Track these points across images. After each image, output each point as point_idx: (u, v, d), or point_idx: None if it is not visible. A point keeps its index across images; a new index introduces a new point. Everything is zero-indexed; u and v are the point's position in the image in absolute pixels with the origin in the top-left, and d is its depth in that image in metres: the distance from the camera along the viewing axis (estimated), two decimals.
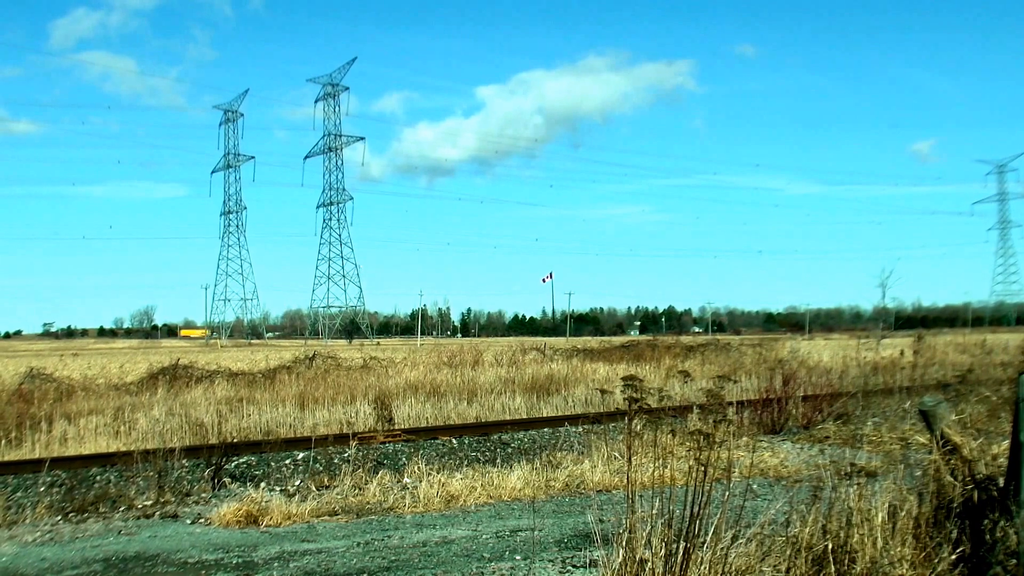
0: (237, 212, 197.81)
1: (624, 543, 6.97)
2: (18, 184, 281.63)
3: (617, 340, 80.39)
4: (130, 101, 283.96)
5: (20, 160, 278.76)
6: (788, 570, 7.15)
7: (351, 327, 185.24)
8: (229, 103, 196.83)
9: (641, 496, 7.23)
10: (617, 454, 15.50)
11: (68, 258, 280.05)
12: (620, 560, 6.96)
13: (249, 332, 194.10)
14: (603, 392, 24.76)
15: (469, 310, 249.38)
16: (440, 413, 28.38)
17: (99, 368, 45.75)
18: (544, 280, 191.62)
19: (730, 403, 21.25)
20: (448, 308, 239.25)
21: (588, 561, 8.96)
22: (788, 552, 7.25)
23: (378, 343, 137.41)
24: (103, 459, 18.83)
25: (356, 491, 14.05)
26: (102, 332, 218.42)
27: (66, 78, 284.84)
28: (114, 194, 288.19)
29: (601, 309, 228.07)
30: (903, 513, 7.54)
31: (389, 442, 19.97)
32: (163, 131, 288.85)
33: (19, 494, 15.78)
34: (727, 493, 7.07)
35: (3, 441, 23.66)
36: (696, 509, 6.84)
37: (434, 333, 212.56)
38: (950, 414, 8.01)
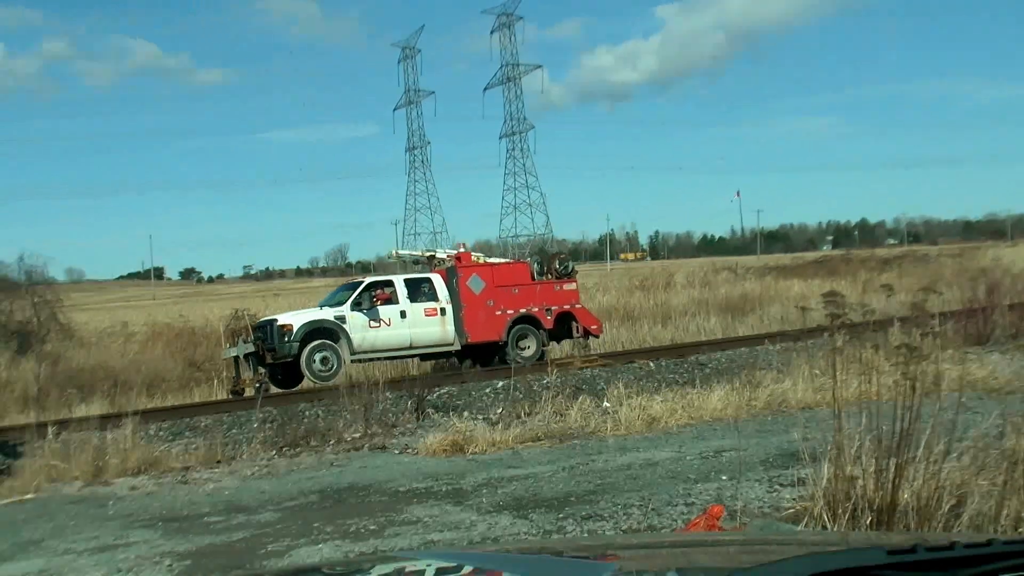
0: (421, 147, 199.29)
1: (832, 460, 6.89)
2: (206, 134, 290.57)
3: (809, 256, 78.86)
4: (312, 44, 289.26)
5: (208, 110, 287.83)
6: (1005, 483, 6.95)
7: (541, 255, 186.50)
8: (406, 40, 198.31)
9: (846, 413, 7.12)
10: (818, 371, 15.26)
11: (262, 203, 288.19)
12: (829, 477, 6.89)
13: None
14: (803, 309, 24.02)
15: (657, 232, 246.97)
16: (635, 336, 28.46)
17: (300, 306, 47.12)
18: (733, 199, 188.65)
19: (932, 315, 20.57)
20: (635, 231, 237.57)
21: (795, 479, 8.87)
22: (1004, 465, 7.04)
23: None
24: (310, 395, 19.51)
25: (557, 417, 14.20)
26: (299, 272, 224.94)
27: (249, 25, 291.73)
28: (302, 137, 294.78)
29: (791, 225, 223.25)
30: None
31: (587, 367, 20.12)
32: (346, 71, 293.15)
33: (235, 431, 16.49)
34: (937, 407, 6.91)
35: (216, 381, 24.76)
36: (906, 424, 6.70)
37: (622, 257, 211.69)
38: None
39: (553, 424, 13.77)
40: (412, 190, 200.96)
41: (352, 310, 22.84)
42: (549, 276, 25.18)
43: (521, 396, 16.76)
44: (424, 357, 24.67)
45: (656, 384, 17.47)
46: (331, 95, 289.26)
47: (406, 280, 24.29)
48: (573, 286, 25.23)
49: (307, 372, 22.15)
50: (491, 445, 12.72)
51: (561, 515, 8.89)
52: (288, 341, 21.99)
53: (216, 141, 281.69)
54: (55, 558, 8.86)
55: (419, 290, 23.92)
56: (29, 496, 12.01)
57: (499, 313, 23.95)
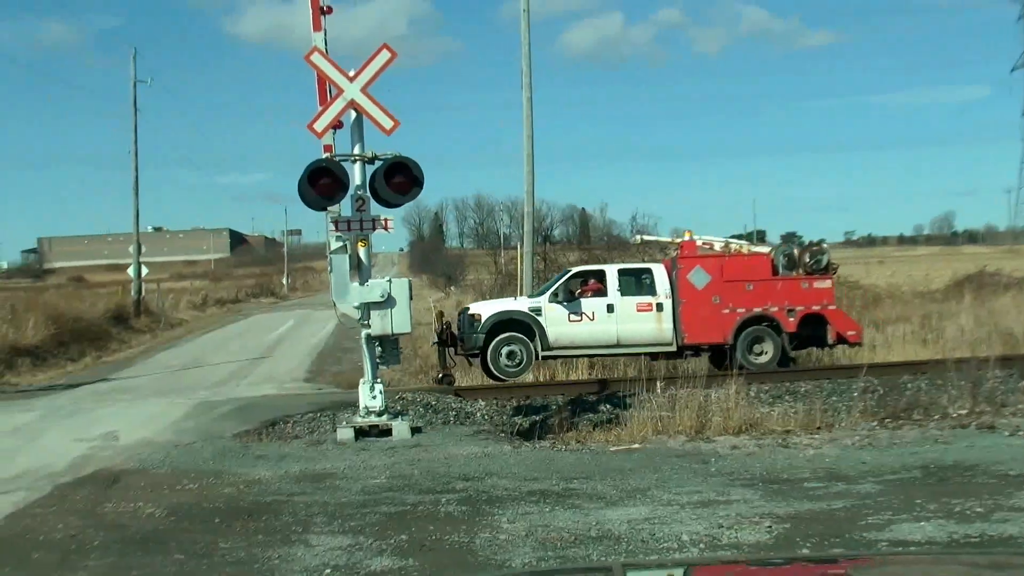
0: None
1: None
2: (812, 98, 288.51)
3: None
4: (925, 2, 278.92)
5: (814, 73, 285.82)
6: None
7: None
8: None
9: None
10: None
11: (866, 167, 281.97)
12: None
13: None
14: None
15: None
16: None
17: (903, 276, 45.97)
18: None
19: None
20: None
21: None
22: None
23: None
24: (912, 367, 18.97)
25: None
26: (902, 240, 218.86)
27: None
28: (909, 100, 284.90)
29: None
30: None
31: None
32: (957, 31, 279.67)
33: (834, 398, 16.42)
34: None
35: (815, 347, 24.69)
36: None
37: None
38: None
39: None
40: None
41: (551, 301, 21.03)
42: (799, 271, 21.75)
43: None
44: (653, 356, 21.54)
45: None
46: (941, 56, 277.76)
47: (621, 271, 22.04)
48: (827, 284, 21.64)
49: (492, 366, 20.69)
50: None
51: None
52: (476, 332, 20.65)
53: (821, 104, 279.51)
54: (659, 508, 9.28)
55: (636, 282, 21.68)
56: (636, 446, 12.69)
57: (726, 312, 21.08)
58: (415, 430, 13.95)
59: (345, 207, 13.93)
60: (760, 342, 21.25)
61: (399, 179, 13.65)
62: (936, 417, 13.87)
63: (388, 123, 13.71)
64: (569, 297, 21.16)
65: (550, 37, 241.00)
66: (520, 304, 21.46)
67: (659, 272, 21.78)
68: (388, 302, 13.63)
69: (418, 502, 9.81)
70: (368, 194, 13.80)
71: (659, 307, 21.19)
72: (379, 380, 14.02)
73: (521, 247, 29.98)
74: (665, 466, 11.27)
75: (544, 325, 20.76)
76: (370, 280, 13.82)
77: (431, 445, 12.99)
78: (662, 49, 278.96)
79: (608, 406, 16.67)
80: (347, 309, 14.08)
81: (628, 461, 11.72)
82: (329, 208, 13.90)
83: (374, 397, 13.81)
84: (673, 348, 21.34)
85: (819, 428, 13.39)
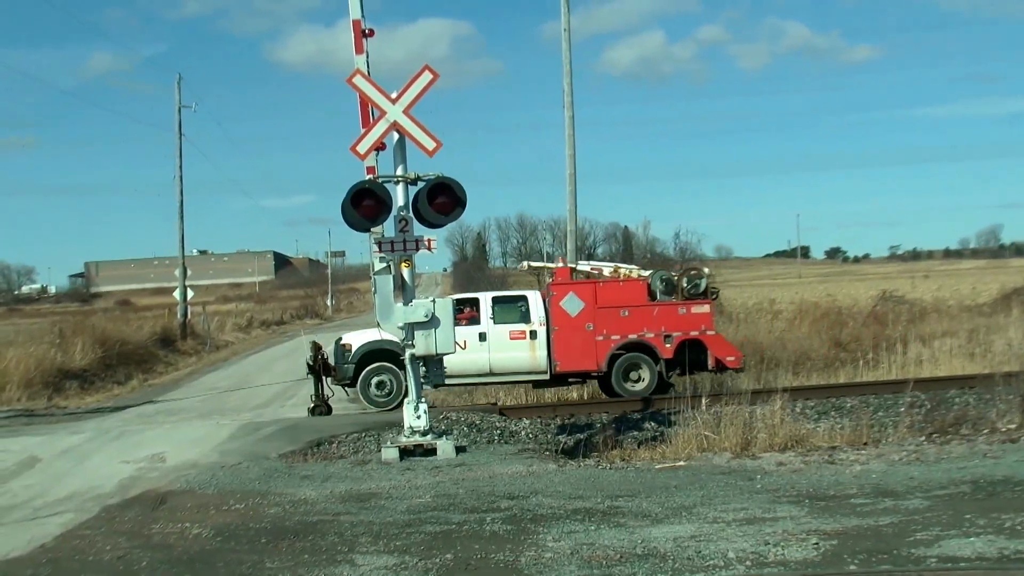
0: None
1: None
2: (855, 112, 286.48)
3: None
4: (970, 14, 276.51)
5: (856, 87, 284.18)
6: None
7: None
8: None
9: None
10: None
11: (910, 181, 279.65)
12: None
13: None
14: None
15: None
16: None
17: (949, 290, 45.52)
18: None
19: None
20: None
21: None
22: None
23: None
24: (960, 381, 18.82)
25: None
26: (947, 253, 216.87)
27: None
28: (953, 113, 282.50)
29: None
30: None
31: None
32: (1006, 42, 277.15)
33: (880, 414, 16.31)
34: None
35: (861, 362, 24.59)
36: None
37: None
38: None
39: None
40: None
41: None
42: (678, 296, 21.55)
43: None
44: (535, 384, 22.11)
45: None
46: (985, 68, 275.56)
47: (495, 298, 22.15)
48: (705, 308, 21.29)
49: (362, 397, 20.46)
50: None
51: None
52: (347, 362, 20.43)
53: (864, 118, 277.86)
54: (705, 525, 9.22)
55: (511, 310, 21.58)
56: (681, 463, 12.63)
57: (600, 339, 20.97)
58: (460, 449, 13.98)
59: (388, 228, 13.99)
60: (636, 369, 21.13)
61: (442, 199, 13.70)
62: (985, 431, 13.73)
63: (430, 144, 13.78)
64: None
65: (592, 56, 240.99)
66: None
67: (534, 299, 21.76)
68: (432, 322, 13.66)
69: (463, 521, 9.81)
70: (411, 215, 13.86)
71: (532, 335, 21.13)
72: (423, 400, 14.05)
73: None
74: (710, 483, 11.22)
75: None
76: (414, 300, 13.86)
77: (476, 464, 13.00)
78: (704, 66, 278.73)
79: (653, 424, 16.63)
80: (391, 329, 14.14)
81: (673, 478, 11.67)
82: (372, 229, 13.96)
83: (418, 417, 13.83)
84: (547, 376, 21.32)
85: (866, 444, 13.28)
